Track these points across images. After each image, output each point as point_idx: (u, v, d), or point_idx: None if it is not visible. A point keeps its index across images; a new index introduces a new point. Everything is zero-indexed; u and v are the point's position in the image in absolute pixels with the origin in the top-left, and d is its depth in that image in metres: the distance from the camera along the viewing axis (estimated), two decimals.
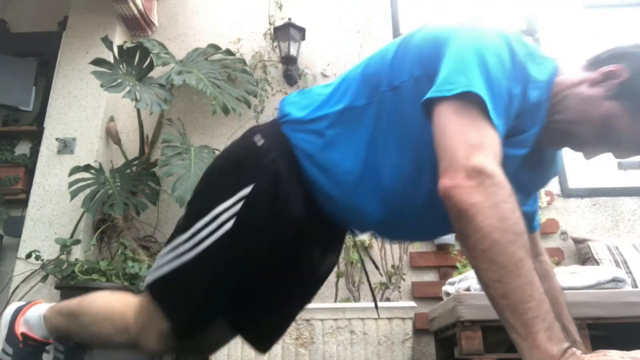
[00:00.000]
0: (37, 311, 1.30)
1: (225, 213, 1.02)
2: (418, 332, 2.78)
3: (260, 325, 1.17)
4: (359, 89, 1.04)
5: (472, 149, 0.80)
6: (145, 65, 3.05)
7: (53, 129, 3.13)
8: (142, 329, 1.10)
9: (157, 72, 3.14)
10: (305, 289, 1.23)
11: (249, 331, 1.17)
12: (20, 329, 1.29)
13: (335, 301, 2.77)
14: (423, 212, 1.01)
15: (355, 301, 2.72)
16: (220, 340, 1.29)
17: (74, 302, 1.24)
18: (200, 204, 1.10)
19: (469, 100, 0.84)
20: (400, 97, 0.98)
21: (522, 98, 0.92)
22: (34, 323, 1.28)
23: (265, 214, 1.01)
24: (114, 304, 1.20)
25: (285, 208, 1.02)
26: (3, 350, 1.29)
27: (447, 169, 0.81)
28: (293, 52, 3.30)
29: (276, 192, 1.02)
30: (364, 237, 2.93)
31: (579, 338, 1.13)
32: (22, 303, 1.36)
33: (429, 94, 0.87)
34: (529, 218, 1.18)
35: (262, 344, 1.21)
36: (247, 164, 1.05)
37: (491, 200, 0.76)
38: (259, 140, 1.07)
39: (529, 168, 1.05)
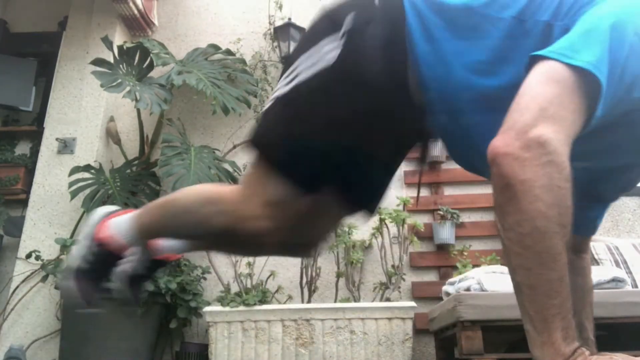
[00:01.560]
0: (124, 216, 1.21)
1: (328, 46, 0.93)
2: (418, 332, 2.78)
3: (367, 184, 1.06)
4: None
5: (545, 118, 0.69)
6: (145, 65, 3.05)
7: (53, 129, 3.13)
8: (245, 203, 0.98)
9: (157, 72, 3.13)
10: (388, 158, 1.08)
11: (357, 191, 1.05)
12: (102, 232, 1.18)
13: (335, 301, 2.76)
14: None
15: (355, 301, 2.72)
16: (327, 223, 1.18)
17: (163, 198, 1.19)
18: (301, 43, 1.01)
19: (583, 78, 0.71)
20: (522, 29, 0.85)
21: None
22: (120, 226, 1.17)
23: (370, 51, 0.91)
24: (208, 187, 1.16)
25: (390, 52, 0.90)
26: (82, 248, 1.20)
27: (507, 129, 0.71)
28: None
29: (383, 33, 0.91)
30: (365, 237, 2.93)
31: (592, 337, 1.10)
32: (111, 208, 1.26)
33: (544, 51, 0.75)
34: (590, 222, 1.11)
35: (371, 203, 1.09)
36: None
37: (545, 180, 0.67)
38: None
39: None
